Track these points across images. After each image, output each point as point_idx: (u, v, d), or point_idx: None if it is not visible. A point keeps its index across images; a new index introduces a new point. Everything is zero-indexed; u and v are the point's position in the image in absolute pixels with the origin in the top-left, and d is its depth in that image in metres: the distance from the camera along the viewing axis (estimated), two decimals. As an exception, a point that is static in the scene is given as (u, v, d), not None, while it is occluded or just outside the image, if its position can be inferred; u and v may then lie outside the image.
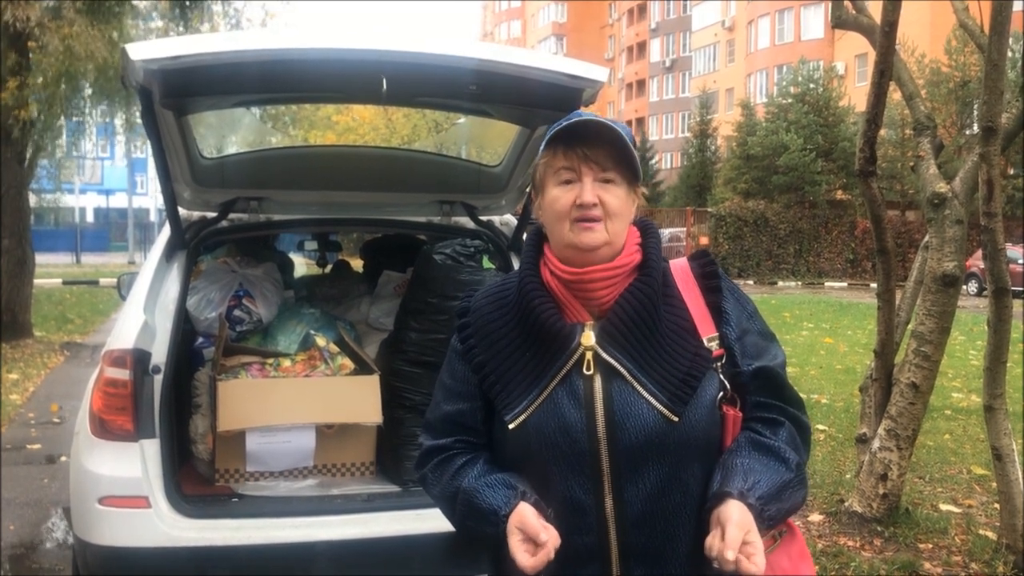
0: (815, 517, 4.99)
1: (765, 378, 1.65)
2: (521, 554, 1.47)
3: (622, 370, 1.57)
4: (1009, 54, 4.20)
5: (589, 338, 1.58)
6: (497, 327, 1.67)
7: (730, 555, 1.41)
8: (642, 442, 1.55)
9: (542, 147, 1.64)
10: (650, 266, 1.63)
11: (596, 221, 1.58)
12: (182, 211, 3.75)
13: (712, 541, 1.46)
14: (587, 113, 1.63)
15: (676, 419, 1.55)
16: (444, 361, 1.77)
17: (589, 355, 1.58)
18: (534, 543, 1.48)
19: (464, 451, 1.69)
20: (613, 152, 1.59)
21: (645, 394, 1.56)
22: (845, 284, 29.99)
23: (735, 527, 1.44)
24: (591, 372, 1.58)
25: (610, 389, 1.57)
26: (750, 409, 1.65)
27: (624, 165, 1.60)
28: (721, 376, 1.63)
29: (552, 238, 1.65)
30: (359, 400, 3.70)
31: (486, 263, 3.92)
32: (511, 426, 1.60)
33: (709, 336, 1.63)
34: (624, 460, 1.56)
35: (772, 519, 1.53)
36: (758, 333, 1.69)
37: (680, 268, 1.71)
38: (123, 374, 3.06)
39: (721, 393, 1.62)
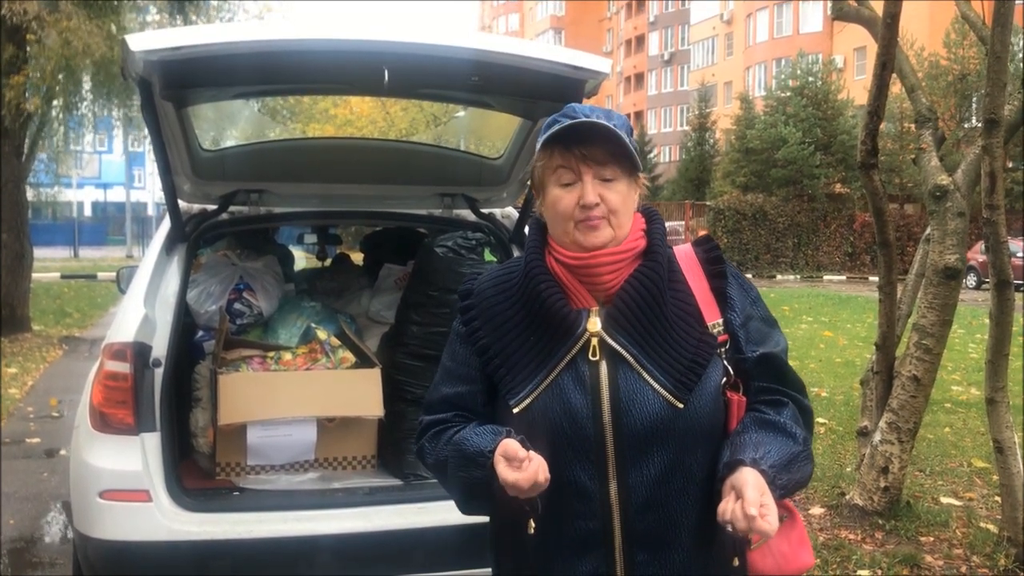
0: (816, 510, 4.99)
1: (769, 364, 1.67)
2: (510, 472, 1.47)
3: (628, 356, 1.58)
4: (1010, 47, 4.19)
5: (595, 324, 1.59)
6: (501, 310, 1.67)
7: (753, 510, 1.41)
8: (647, 428, 1.56)
9: (538, 148, 1.63)
10: (655, 251, 1.64)
11: (600, 219, 1.58)
12: (182, 204, 3.73)
13: (726, 506, 1.47)
14: (580, 107, 1.61)
15: (681, 406, 1.56)
16: (446, 344, 1.76)
17: (595, 341, 1.58)
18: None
19: (461, 423, 1.69)
20: (611, 148, 1.58)
21: (651, 380, 1.57)
22: (844, 278, 30.00)
23: (752, 488, 1.45)
24: (597, 358, 1.58)
25: (616, 375, 1.57)
26: (753, 394, 1.66)
27: (623, 159, 1.59)
28: (725, 362, 1.64)
29: (555, 235, 1.65)
30: (360, 393, 3.69)
31: (487, 256, 3.91)
32: (515, 410, 1.60)
33: (714, 322, 1.64)
34: (629, 446, 1.56)
35: (783, 488, 1.54)
36: (761, 319, 1.70)
37: (685, 254, 1.71)
38: (123, 367, 3.05)
39: (725, 379, 1.63)
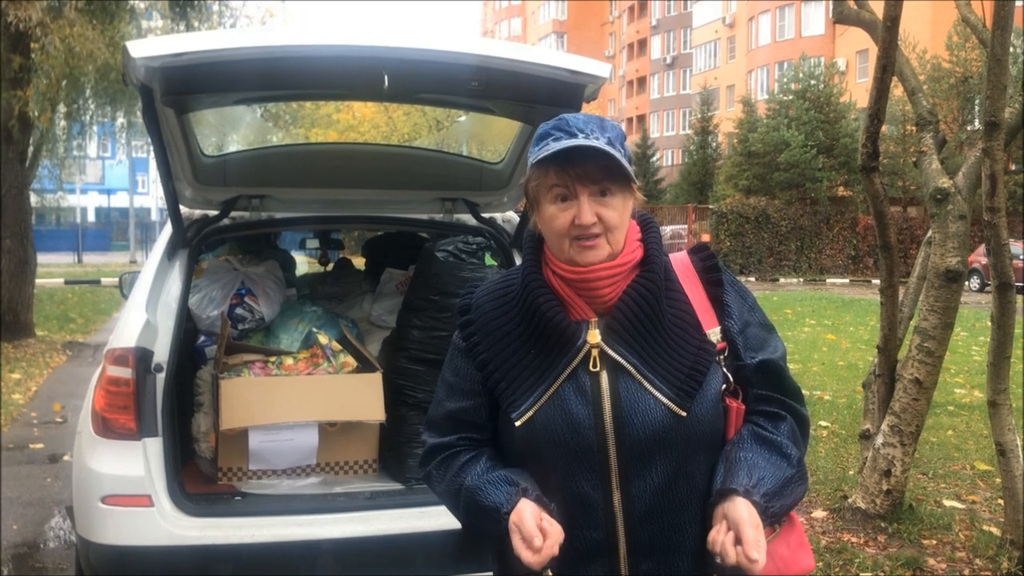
0: (819, 513, 4.98)
1: (767, 371, 1.67)
2: (524, 551, 1.47)
3: (628, 366, 1.58)
4: (1011, 49, 4.19)
5: (595, 336, 1.59)
6: (500, 324, 1.67)
7: (755, 554, 1.43)
8: (649, 437, 1.56)
9: (530, 166, 1.61)
10: (652, 261, 1.63)
11: (597, 237, 1.58)
12: (184, 209, 3.74)
13: (716, 536, 1.48)
14: (573, 120, 1.58)
15: (683, 414, 1.57)
16: (446, 358, 1.76)
17: (595, 352, 1.58)
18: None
19: (467, 448, 1.70)
20: (605, 165, 1.56)
21: (652, 390, 1.57)
22: (847, 280, 29.95)
23: (749, 527, 1.46)
24: (597, 369, 1.58)
25: (617, 385, 1.58)
26: (752, 401, 1.66)
27: (618, 174, 1.58)
28: (724, 369, 1.64)
29: (552, 249, 1.64)
30: (362, 398, 3.69)
31: (488, 260, 3.92)
32: (517, 424, 1.60)
33: (712, 329, 1.64)
34: (631, 455, 1.56)
35: (775, 515, 1.55)
36: (759, 325, 1.70)
37: (681, 262, 1.71)
38: (125, 372, 3.06)
39: (724, 385, 1.64)
